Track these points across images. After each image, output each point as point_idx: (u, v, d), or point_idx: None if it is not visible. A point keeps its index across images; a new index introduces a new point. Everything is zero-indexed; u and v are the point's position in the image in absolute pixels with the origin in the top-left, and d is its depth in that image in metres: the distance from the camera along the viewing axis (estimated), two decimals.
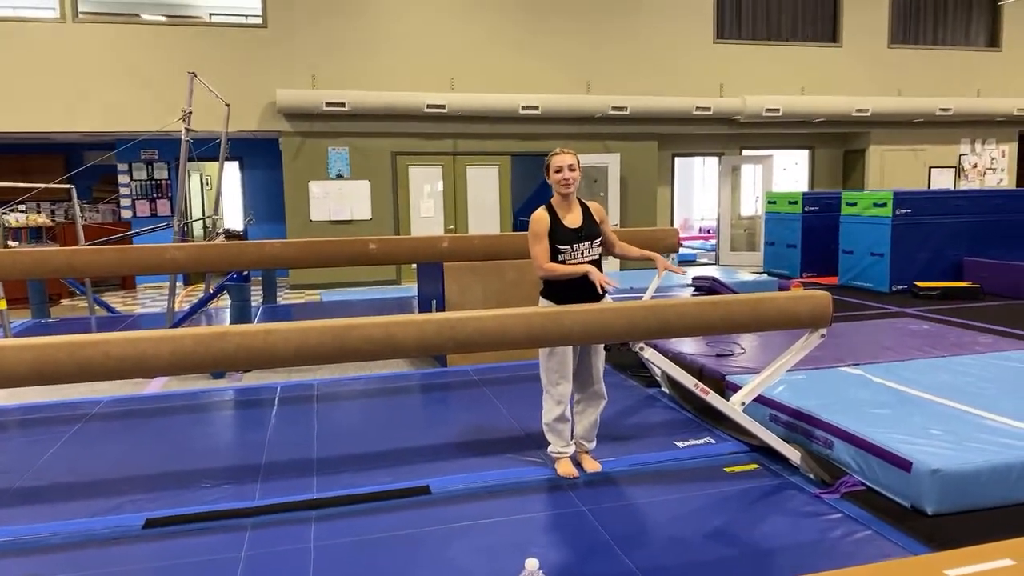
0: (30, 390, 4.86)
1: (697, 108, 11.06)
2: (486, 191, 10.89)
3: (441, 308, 5.57)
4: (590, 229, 3.19)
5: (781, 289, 8.03)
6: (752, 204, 12.70)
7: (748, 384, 3.38)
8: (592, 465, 3.35)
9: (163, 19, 10.96)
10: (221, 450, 3.89)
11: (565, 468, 3.29)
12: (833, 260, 9.36)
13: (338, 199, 10.19)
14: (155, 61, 9.47)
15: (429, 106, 10.06)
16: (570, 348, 3.18)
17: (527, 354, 5.46)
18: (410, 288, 8.99)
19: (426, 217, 10.75)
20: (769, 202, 10.78)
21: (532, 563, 1.55)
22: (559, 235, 3.15)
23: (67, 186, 7.78)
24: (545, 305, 3.16)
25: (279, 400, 4.57)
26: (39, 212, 10.61)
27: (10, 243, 8.27)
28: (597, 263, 3.20)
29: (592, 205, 3.29)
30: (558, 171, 3.16)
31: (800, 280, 9.38)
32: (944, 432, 3.10)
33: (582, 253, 3.16)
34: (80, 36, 9.37)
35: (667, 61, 11.25)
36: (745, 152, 12.51)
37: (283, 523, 2.90)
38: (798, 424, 3.46)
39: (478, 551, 2.67)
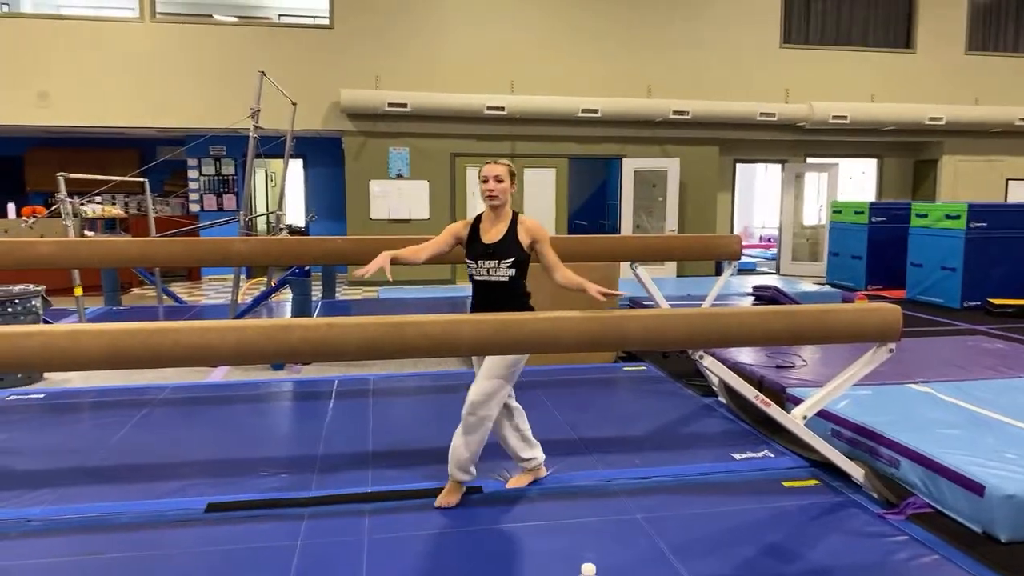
0: (101, 375, 5.08)
1: (761, 114, 10.83)
2: (542, 193, 10.88)
3: None
4: (504, 249, 2.94)
5: (845, 301, 7.79)
6: (816, 213, 12.36)
7: (811, 397, 3.29)
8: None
9: (234, 20, 11.30)
10: (279, 440, 3.98)
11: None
12: (900, 273, 9.03)
13: (397, 198, 10.33)
14: (225, 60, 9.77)
15: (489, 108, 10.11)
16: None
17: (580, 357, 5.45)
18: (465, 288, 9.04)
19: None
20: (834, 211, 10.48)
21: (589, 568, 1.53)
22: (470, 248, 3.01)
23: (141, 180, 8.09)
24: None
25: (336, 393, 4.65)
26: (114, 204, 11.05)
27: (86, 233, 8.63)
28: (506, 286, 2.97)
29: (527, 225, 2.99)
30: (484, 182, 2.98)
31: (865, 292, 9.09)
32: (1020, 456, 2.95)
33: (487, 271, 2.97)
34: (157, 36, 9.74)
35: (731, 65, 11.05)
36: (810, 159, 12.19)
37: (338, 514, 2.94)
38: (862, 441, 3.35)
39: (530, 553, 2.67)
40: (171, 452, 3.66)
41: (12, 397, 4.61)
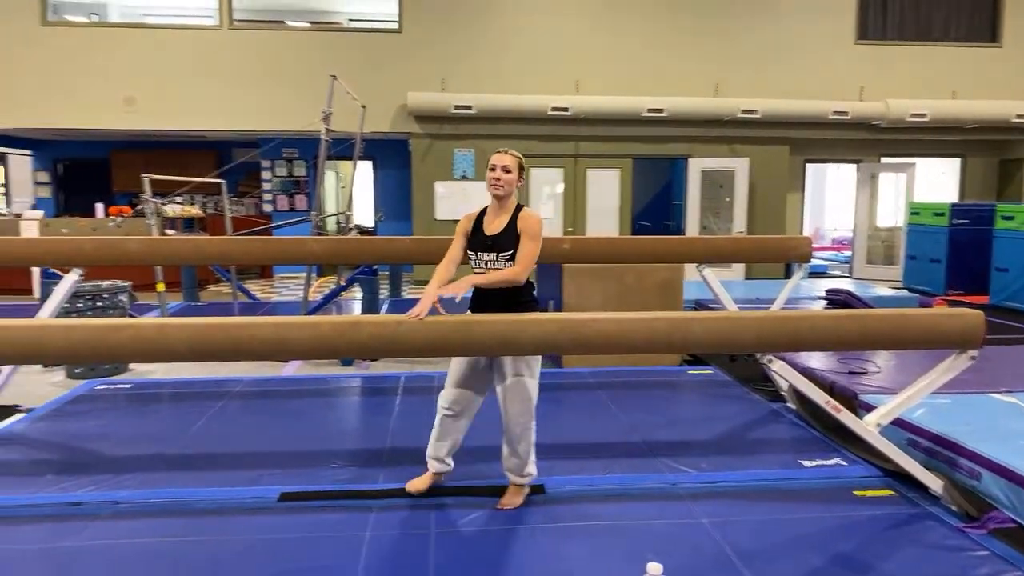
0: (181, 367, 5.32)
1: (834, 112, 10.51)
2: (606, 194, 10.83)
3: (558, 308, 5.61)
4: (504, 241, 2.88)
5: (923, 306, 7.49)
6: (892, 215, 11.91)
7: (886, 404, 3.19)
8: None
9: (306, 25, 11.63)
10: (348, 433, 4.10)
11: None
12: (983, 278, 8.62)
13: (462, 199, 10.45)
14: (297, 65, 10.07)
15: (553, 109, 10.13)
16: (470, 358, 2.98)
17: (644, 360, 5.40)
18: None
19: (545, 219, 10.73)
20: (912, 213, 10.08)
21: (656, 567, 1.54)
22: (472, 239, 2.95)
23: (219, 181, 8.42)
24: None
25: (403, 389, 4.75)
26: (193, 204, 11.53)
27: (167, 231, 9.03)
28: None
29: (526, 217, 2.90)
30: (491, 169, 2.91)
31: (944, 298, 8.71)
32: None
33: (485, 264, 2.90)
34: (234, 42, 10.12)
35: (802, 62, 10.76)
36: (885, 159, 11.75)
37: (405, 507, 3.01)
38: (940, 451, 3.22)
39: (593, 553, 2.67)
40: (246, 442, 3.81)
41: (101, 386, 4.87)
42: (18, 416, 4.26)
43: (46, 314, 3.88)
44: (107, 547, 2.70)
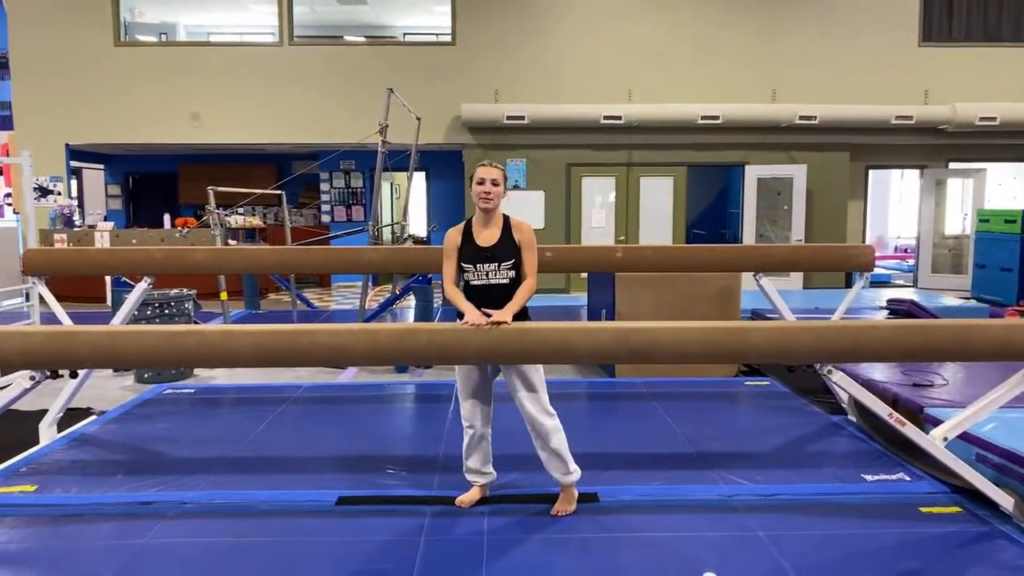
0: (242, 373, 5.49)
1: (897, 117, 10.20)
2: (659, 202, 10.73)
3: (610, 317, 5.59)
4: (502, 251, 2.92)
5: (993, 317, 7.19)
6: (959, 222, 11.48)
7: (953, 418, 3.08)
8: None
9: (363, 40, 11.92)
10: (403, 439, 4.16)
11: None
12: None
13: (514, 209, 10.29)
14: (354, 79, 10.31)
15: (606, 117, 10.11)
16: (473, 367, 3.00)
17: (699, 371, 5.34)
18: (578, 297, 9.06)
19: (597, 228, 10.79)
20: (981, 220, 9.70)
21: None
22: (465, 252, 2.96)
23: (279, 192, 8.67)
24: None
25: (455, 397, 4.79)
26: (254, 215, 11.89)
27: (230, 241, 9.34)
28: (507, 288, 2.91)
29: (520, 227, 2.98)
30: (480, 183, 2.95)
31: (1016, 308, 8.34)
32: None
33: (487, 275, 2.91)
34: (293, 58, 10.43)
35: (863, 66, 10.48)
36: (952, 165, 11.34)
37: (459, 514, 3.04)
38: (1012, 468, 3.09)
39: (647, 563, 2.66)
40: (304, 447, 3.91)
41: (168, 391, 5.06)
42: (91, 418, 4.46)
43: (119, 320, 4.06)
44: (174, 545, 2.80)
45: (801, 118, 10.11)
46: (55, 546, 2.80)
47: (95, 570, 2.60)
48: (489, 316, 2.80)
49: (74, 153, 10.59)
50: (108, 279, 7.81)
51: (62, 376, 3.16)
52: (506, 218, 3.02)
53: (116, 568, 2.61)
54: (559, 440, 3.01)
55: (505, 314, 2.81)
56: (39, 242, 7.53)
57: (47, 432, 3.96)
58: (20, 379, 2.79)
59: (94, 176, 11.85)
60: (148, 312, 5.60)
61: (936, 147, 10.99)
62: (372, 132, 7.24)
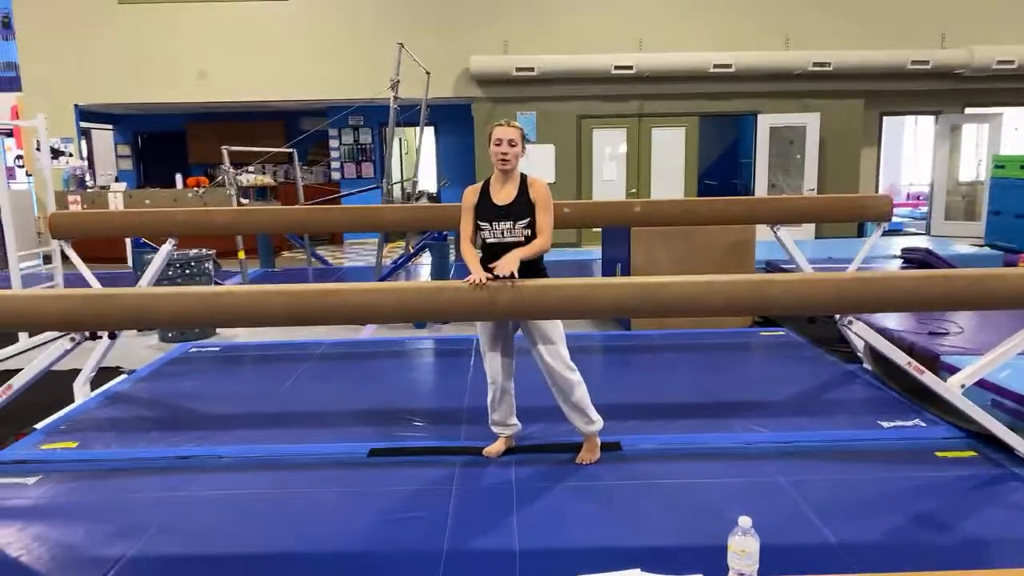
0: (262, 331, 5.58)
1: (913, 62, 10.01)
2: (671, 153, 10.66)
3: (626, 272, 5.63)
4: (518, 210, 2.94)
5: (1007, 264, 7.19)
6: (974, 168, 11.36)
7: (970, 365, 3.13)
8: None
9: None
10: (427, 393, 4.27)
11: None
12: None
13: (524, 162, 10.34)
14: (361, 33, 10.17)
15: (616, 68, 9.97)
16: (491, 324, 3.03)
17: (715, 322, 5.40)
18: (590, 251, 9.09)
19: (608, 181, 10.74)
20: (996, 166, 9.59)
21: (746, 520, 1.60)
22: (482, 210, 2.98)
23: (290, 150, 8.66)
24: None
25: (476, 351, 4.89)
26: (264, 173, 11.88)
27: (242, 200, 9.38)
28: (519, 246, 2.91)
29: (536, 185, 2.98)
30: (497, 144, 2.95)
31: None
32: None
33: (502, 233, 2.94)
34: (299, 13, 10.27)
35: (878, 10, 10.25)
36: (968, 110, 11.17)
37: (487, 464, 3.15)
38: None
39: (670, 509, 2.75)
40: (332, 401, 4.01)
41: (193, 349, 5.17)
42: (121, 377, 4.58)
43: (146, 281, 4.14)
44: (215, 497, 2.92)
45: (815, 65, 9.94)
46: (102, 499, 2.92)
47: (142, 521, 2.72)
48: (491, 278, 2.80)
49: (83, 114, 10.56)
50: (128, 241, 7.88)
51: (100, 337, 3.24)
52: (523, 177, 3.03)
53: (162, 519, 2.73)
54: (581, 393, 3.08)
55: (504, 265, 2.80)
56: (56, 205, 7.58)
57: (81, 391, 4.08)
58: (62, 340, 2.88)
59: (104, 137, 11.82)
60: (170, 272, 5.67)
61: (952, 92, 10.81)
62: (381, 87, 7.19)
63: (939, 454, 3.15)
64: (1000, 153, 10.25)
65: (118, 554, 2.48)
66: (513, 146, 2.96)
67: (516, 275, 2.80)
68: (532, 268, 2.97)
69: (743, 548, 1.56)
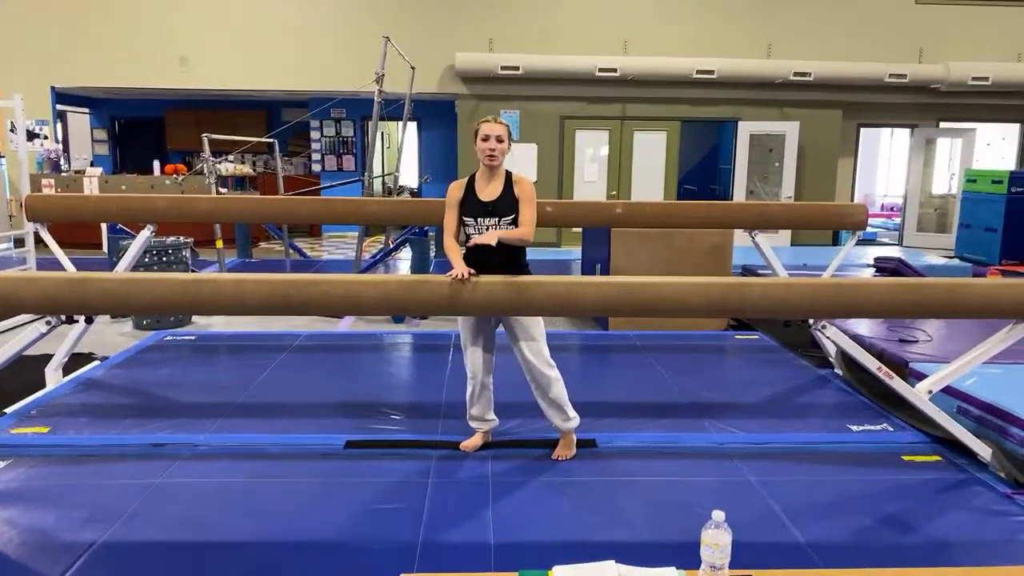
0: (239, 321, 5.55)
1: (890, 75, 10.21)
2: (652, 157, 10.75)
3: (605, 272, 5.67)
4: (503, 206, 2.96)
5: (976, 276, 7.37)
6: (946, 182, 11.60)
7: (938, 372, 3.22)
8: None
9: None
10: (405, 387, 4.27)
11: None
12: None
13: (507, 161, 10.45)
14: (345, 25, 10.12)
15: (601, 70, 10.03)
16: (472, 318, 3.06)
17: (690, 324, 5.47)
18: (570, 251, 9.15)
19: (589, 182, 10.80)
20: (968, 180, 9.82)
21: (719, 514, 1.64)
22: (467, 206, 3.00)
23: (271, 140, 8.59)
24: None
25: (454, 347, 4.90)
26: (243, 163, 11.76)
27: (220, 190, 9.28)
28: (505, 244, 2.92)
29: (520, 181, 3.01)
30: (484, 139, 2.96)
31: (999, 268, 8.53)
32: None
33: (487, 229, 2.95)
34: (283, 2, 10.18)
35: (858, 24, 10.44)
36: (943, 124, 11.41)
37: (464, 458, 3.17)
38: (991, 420, 3.26)
39: (644, 505, 2.79)
40: (309, 393, 4.00)
41: (168, 337, 5.13)
42: (94, 363, 4.53)
43: (123, 267, 4.09)
44: (189, 484, 2.91)
45: (795, 75, 10.10)
46: (74, 484, 2.89)
47: (115, 506, 2.70)
48: (474, 273, 2.83)
49: (59, 96, 10.38)
50: (104, 226, 7.77)
51: (77, 321, 3.20)
52: (508, 173, 3.06)
53: (136, 505, 2.71)
54: (559, 390, 3.12)
55: (486, 237, 2.83)
56: (30, 188, 7.45)
57: (53, 376, 4.02)
58: (37, 324, 2.84)
59: (80, 120, 11.63)
60: (146, 260, 5.60)
61: (928, 106, 11.05)
62: (365, 80, 7.17)
63: (906, 458, 3.23)
64: (972, 167, 10.48)
65: (90, 539, 2.46)
66: (500, 142, 2.98)
67: (492, 245, 2.82)
68: (515, 265, 3.00)
69: (716, 541, 1.60)
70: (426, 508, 2.73)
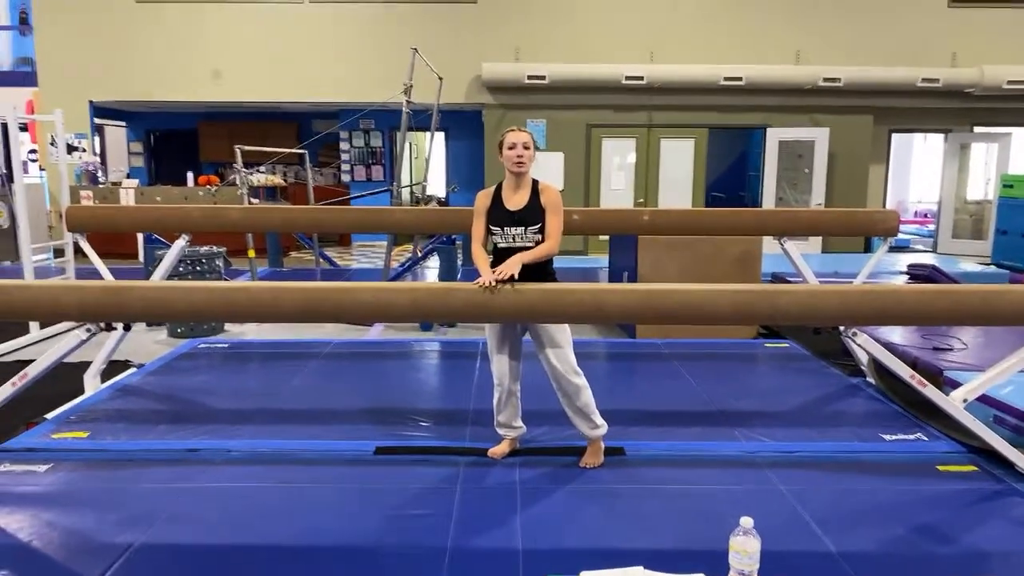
0: (270, 330, 5.64)
1: (923, 80, 10.05)
2: (679, 165, 10.70)
3: (632, 279, 5.66)
4: (530, 215, 2.97)
5: (1013, 283, 7.21)
6: (982, 187, 11.38)
7: (973, 381, 3.16)
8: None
9: None
10: (433, 394, 4.31)
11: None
12: None
13: (533, 170, 10.48)
14: (374, 37, 10.26)
15: (627, 78, 10.03)
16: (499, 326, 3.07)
17: (719, 332, 5.43)
18: (597, 259, 9.13)
19: (616, 190, 10.79)
20: (1005, 185, 9.63)
21: (747, 521, 1.64)
22: (494, 215, 3.01)
23: (302, 151, 8.72)
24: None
25: (481, 355, 4.92)
26: (275, 173, 11.96)
27: (252, 200, 9.44)
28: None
29: (547, 191, 3.02)
30: (511, 148, 2.98)
31: None
32: None
33: (513, 238, 2.97)
34: (314, 16, 10.36)
35: (889, 28, 10.31)
36: (978, 129, 11.20)
37: (491, 464, 3.18)
38: None
39: (673, 513, 2.78)
40: (339, 400, 4.05)
41: (202, 345, 5.22)
42: (131, 370, 4.63)
43: (159, 276, 4.19)
44: (224, 489, 2.96)
45: (825, 80, 9.99)
46: (112, 488, 2.96)
47: (152, 510, 2.76)
48: (502, 280, 2.84)
49: (97, 110, 10.66)
50: (140, 236, 7.95)
51: (115, 328, 3.29)
52: (535, 182, 3.07)
53: (172, 509, 2.77)
54: (586, 397, 3.12)
55: (509, 266, 2.85)
56: (70, 199, 7.65)
57: (91, 383, 4.13)
58: (77, 331, 2.93)
59: (116, 133, 11.93)
60: (180, 268, 5.72)
61: (961, 111, 10.85)
62: (393, 91, 7.26)
63: (940, 468, 3.17)
64: (1009, 173, 10.27)
65: (128, 541, 2.52)
66: (527, 149, 3.01)
67: (516, 277, 2.85)
68: (542, 272, 3.02)
69: (744, 548, 1.60)
70: (454, 514, 2.74)
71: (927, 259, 8.11)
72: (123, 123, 12.19)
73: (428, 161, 8.68)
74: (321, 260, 8.76)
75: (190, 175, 10.46)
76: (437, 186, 12.63)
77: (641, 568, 1.79)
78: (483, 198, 3.10)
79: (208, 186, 9.60)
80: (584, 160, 10.66)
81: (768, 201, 10.60)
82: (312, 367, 4.66)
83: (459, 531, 2.62)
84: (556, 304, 2.92)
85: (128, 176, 11.36)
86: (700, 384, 4.33)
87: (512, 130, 3.05)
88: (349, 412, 3.86)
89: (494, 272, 2.86)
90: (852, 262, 7.46)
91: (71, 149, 9.97)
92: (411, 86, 6.78)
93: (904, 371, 3.10)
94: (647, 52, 10.30)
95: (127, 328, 3.38)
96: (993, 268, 8.60)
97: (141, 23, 10.23)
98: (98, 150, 10.83)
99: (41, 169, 11.14)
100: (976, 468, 3.16)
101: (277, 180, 11.07)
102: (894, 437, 3.49)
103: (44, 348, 4.54)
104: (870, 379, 4.35)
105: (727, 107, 10.44)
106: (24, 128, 12.19)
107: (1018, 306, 2.90)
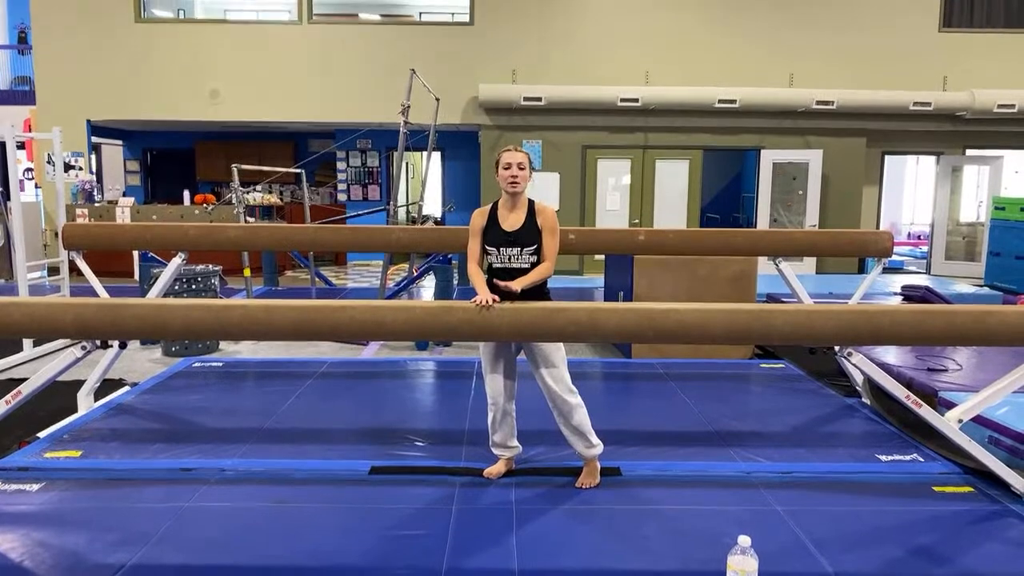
0: (265, 349, 5.62)
1: (915, 103, 10.18)
2: (674, 185, 10.77)
3: (628, 299, 5.68)
4: (526, 236, 2.97)
5: (1006, 304, 7.25)
6: (974, 209, 11.48)
7: (968, 401, 3.17)
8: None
9: (378, 18, 11.92)
10: (429, 414, 4.29)
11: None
12: None
13: (529, 190, 10.50)
14: (371, 58, 10.35)
15: (622, 100, 10.12)
16: (494, 344, 3.08)
17: (715, 352, 5.44)
18: (592, 279, 9.16)
19: (612, 211, 10.84)
20: (996, 208, 9.71)
21: (745, 539, 1.64)
22: (489, 236, 3.01)
23: (299, 171, 8.76)
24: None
25: (477, 374, 4.92)
26: (271, 192, 11.99)
27: (248, 219, 9.46)
28: (527, 273, 2.96)
29: (543, 211, 3.03)
30: (506, 168, 2.98)
31: None
32: None
33: (509, 259, 2.98)
34: (311, 37, 10.46)
35: (882, 52, 10.45)
36: (969, 152, 11.32)
37: (487, 484, 3.17)
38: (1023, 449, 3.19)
39: (669, 533, 2.77)
40: (334, 419, 4.04)
41: (196, 364, 5.20)
42: (125, 389, 4.61)
43: (155, 294, 4.19)
44: (217, 508, 2.94)
45: (818, 103, 10.10)
46: (104, 507, 2.93)
47: (145, 530, 2.73)
48: (497, 300, 2.85)
49: (94, 129, 10.69)
50: (136, 254, 7.94)
51: (111, 346, 3.28)
52: (531, 203, 3.08)
53: (164, 528, 2.75)
54: (581, 417, 3.11)
55: (511, 284, 2.88)
56: (66, 217, 7.64)
57: (85, 401, 4.10)
58: (72, 349, 2.92)
59: (113, 152, 11.97)
60: (176, 287, 5.72)
61: (953, 134, 10.98)
62: (390, 112, 7.32)
63: (936, 489, 3.17)
64: (1000, 195, 10.37)
65: (120, 561, 2.49)
66: (522, 169, 3.02)
67: (518, 292, 2.87)
68: (537, 291, 3.02)
69: (742, 567, 1.59)
70: (450, 534, 2.73)
71: (921, 280, 8.16)
72: (120, 142, 12.23)
73: (425, 181, 8.72)
74: (317, 279, 8.76)
75: (186, 194, 10.47)
76: (434, 205, 12.68)
77: None
78: (479, 217, 3.10)
79: (204, 205, 9.61)
80: (579, 181, 10.72)
81: (762, 222, 10.67)
82: (307, 386, 4.64)
83: (455, 552, 2.60)
84: (552, 323, 2.92)
85: (124, 194, 11.38)
86: (696, 404, 4.33)
87: (508, 150, 3.07)
88: (344, 431, 3.84)
89: (498, 286, 2.87)
90: (846, 283, 7.50)
91: (68, 167, 9.98)
92: (409, 106, 6.84)
93: (899, 391, 3.11)
94: (642, 74, 10.41)
95: (123, 346, 3.37)
96: (986, 290, 8.64)
97: (139, 43, 10.30)
98: (95, 169, 10.84)
99: (37, 187, 11.16)
100: (972, 489, 3.16)
101: (273, 199, 11.10)
102: (890, 458, 3.49)
103: (37, 366, 4.52)
104: (865, 399, 4.36)
105: (721, 129, 10.54)
106: (20, 146, 12.23)
107: (1012, 327, 2.92)
